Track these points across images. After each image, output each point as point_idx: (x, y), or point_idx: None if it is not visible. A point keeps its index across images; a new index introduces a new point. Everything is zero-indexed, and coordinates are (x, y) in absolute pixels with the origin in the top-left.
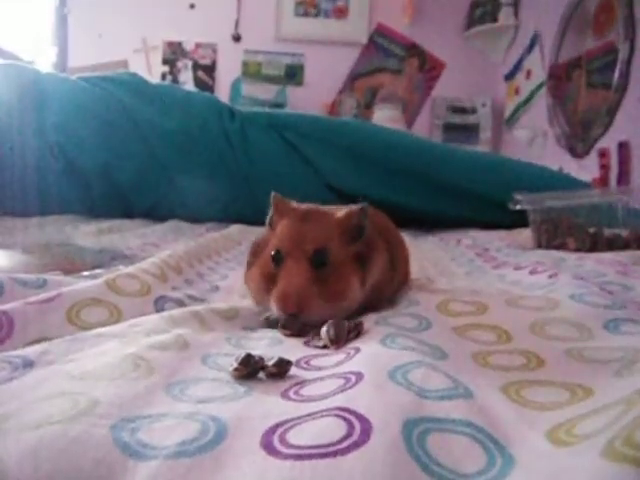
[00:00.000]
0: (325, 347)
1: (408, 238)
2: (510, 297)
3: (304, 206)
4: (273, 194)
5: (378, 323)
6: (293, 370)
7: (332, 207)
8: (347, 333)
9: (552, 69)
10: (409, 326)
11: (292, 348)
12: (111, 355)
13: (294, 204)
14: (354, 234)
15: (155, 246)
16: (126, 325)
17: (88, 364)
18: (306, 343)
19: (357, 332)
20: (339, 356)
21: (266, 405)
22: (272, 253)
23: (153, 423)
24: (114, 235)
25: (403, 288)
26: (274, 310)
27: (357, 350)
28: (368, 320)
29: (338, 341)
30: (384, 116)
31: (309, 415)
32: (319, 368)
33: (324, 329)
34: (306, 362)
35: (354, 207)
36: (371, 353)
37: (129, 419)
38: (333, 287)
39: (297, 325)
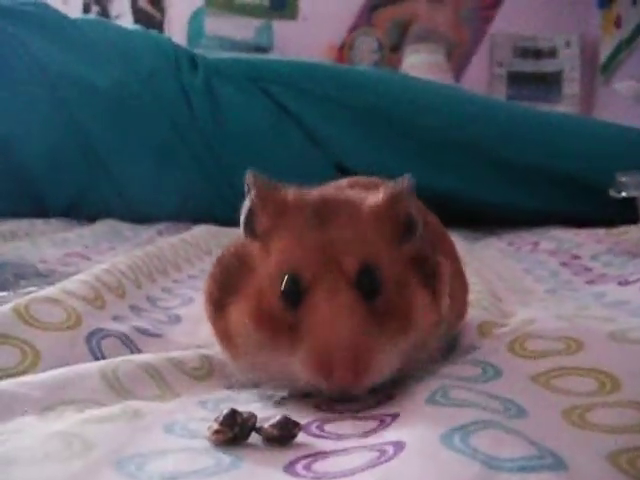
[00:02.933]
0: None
1: (462, 243)
2: (615, 327)
3: (311, 193)
4: (250, 174)
5: (421, 377)
6: (300, 437)
7: (345, 189)
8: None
9: None
10: (468, 375)
11: (297, 411)
12: (29, 434)
13: (291, 190)
14: (404, 229)
15: (83, 258)
16: (48, 386)
17: None
18: (318, 406)
19: (377, 397)
20: (368, 423)
21: None
22: (283, 283)
23: None
24: (20, 243)
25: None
26: (307, 381)
27: (394, 416)
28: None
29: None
30: (419, 63)
31: None
32: (339, 437)
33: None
34: (318, 427)
35: (391, 185)
36: (415, 416)
37: None
38: (397, 324)
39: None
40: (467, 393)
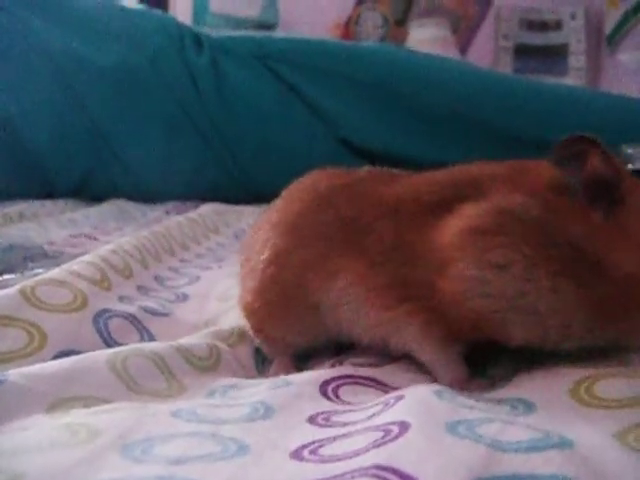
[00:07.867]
0: None
1: None
2: None
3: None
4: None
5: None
6: (307, 428)
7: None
8: None
9: None
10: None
11: (304, 396)
12: (35, 429)
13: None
14: None
15: (90, 238)
16: (56, 379)
17: (2, 442)
18: (326, 395)
19: None
20: (374, 408)
21: (269, 467)
22: None
23: None
24: (27, 224)
25: None
26: None
27: (399, 398)
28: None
29: None
30: (425, 37)
31: (333, 477)
32: (344, 424)
33: None
34: (325, 418)
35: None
36: (421, 399)
37: None
38: None
39: None
40: (474, 402)
